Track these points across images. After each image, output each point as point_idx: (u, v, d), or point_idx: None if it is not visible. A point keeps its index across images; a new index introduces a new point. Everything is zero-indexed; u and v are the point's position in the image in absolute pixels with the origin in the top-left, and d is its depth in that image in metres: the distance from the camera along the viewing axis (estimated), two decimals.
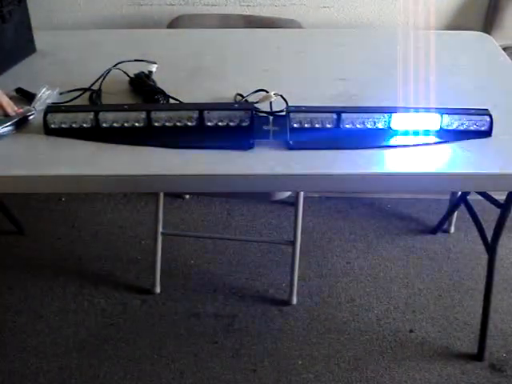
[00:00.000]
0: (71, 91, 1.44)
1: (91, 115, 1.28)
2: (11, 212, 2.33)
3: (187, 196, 2.54)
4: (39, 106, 1.35)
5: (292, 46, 1.78)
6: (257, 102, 1.37)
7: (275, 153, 1.25)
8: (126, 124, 1.29)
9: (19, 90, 1.43)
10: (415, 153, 1.26)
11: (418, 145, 1.28)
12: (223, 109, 1.31)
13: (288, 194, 1.94)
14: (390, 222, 2.44)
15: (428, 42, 1.81)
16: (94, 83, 1.47)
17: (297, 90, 1.46)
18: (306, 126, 1.30)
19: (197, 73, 1.59)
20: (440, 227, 2.37)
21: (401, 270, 2.22)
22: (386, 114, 1.29)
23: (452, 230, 2.39)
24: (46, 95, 1.39)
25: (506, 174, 1.23)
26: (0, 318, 2.03)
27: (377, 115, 1.29)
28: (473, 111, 1.31)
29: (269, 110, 1.36)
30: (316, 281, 2.17)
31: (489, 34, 1.96)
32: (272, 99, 1.37)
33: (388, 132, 1.30)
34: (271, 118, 1.33)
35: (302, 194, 1.98)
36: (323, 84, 1.54)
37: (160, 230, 2.07)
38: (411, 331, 1.99)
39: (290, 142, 1.26)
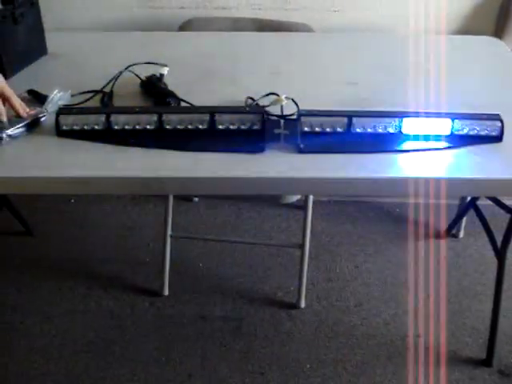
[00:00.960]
0: (83, 93, 1.45)
1: (103, 117, 1.29)
2: (20, 213, 2.33)
3: (196, 198, 2.54)
4: (51, 107, 1.36)
5: (303, 49, 1.79)
6: (268, 106, 1.37)
7: (286, 156, 1.25)
8: (137, 126, 1.29)
9: (31, 92, 1.44)
10: (426, 157, 1.26)
11: (429, 149, 1.28)
12: (234, 112, 1.31)
13: (297, 197, 1.94)
14: (398, 226, 2.44)
15: (439, 46, 1.81)
16: (105, 85, 1.47)
17: (308, 93, 1.46)
18: (316, 129, 1.30)
19: (208, 76, 1.59)
20: (449, 232, 2.37)
21: (409, 274, 2.21)
22: (396, 119, 1.29)
23: (461, 234, 2.38)
24: (57, 97, 1.39)
25: None
26: (8, 318, 2.03)
27: (388, 119, 1.29)
28: (484, 116, 1.31)
29: (280, 113, 1.35)
30: (324, 284, 2.17)
31: (500, 38, 1.96)
32: (283, 103, 1.37)
33: (399, 136, 1.30)
34: (282, 121, 1.33)
35: (311, 197, 1.98)
36: (334, 88, 1.54)
37: (169, 232, 2.08)
38: (419, 336, 1.98)
39: (301, 146, 1.26)
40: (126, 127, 1.29)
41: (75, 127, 1.29)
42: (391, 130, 1.30)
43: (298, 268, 2.06)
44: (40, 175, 1.20)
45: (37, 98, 1.42)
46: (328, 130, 1.30)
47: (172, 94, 1.43)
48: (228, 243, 2.34)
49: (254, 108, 1.38)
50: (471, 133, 1.30)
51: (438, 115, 1.31)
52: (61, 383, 1.84)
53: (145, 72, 1.51)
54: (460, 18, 2.17)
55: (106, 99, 1.44)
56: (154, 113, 1.30)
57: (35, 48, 1.65)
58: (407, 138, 1.30)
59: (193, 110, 1.37)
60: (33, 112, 1.33)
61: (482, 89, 1.56)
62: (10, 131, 1.27)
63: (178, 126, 1.30)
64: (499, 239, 1.84)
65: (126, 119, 1.29)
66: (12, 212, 2.31)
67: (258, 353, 1.93)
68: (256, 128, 1.29)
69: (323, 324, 2.02)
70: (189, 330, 2.00)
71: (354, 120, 1.29)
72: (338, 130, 1.30)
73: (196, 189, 1.29)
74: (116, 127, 1.29)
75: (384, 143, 1.29)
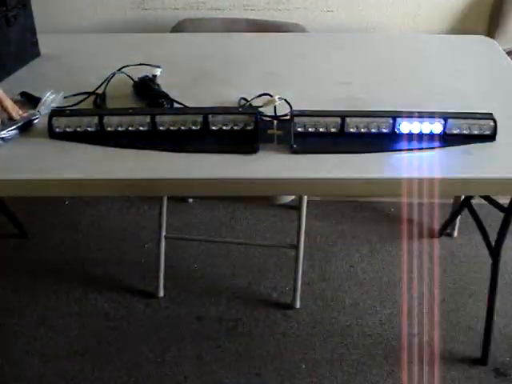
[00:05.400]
0: (76, 95, 1.45)
1: (96, 119, 1.29)
2: (15, 215, 2.33)
3: (190, 200, 2.54)
4: (44, 109, 1.36)
5: (296, 49, 1.78)
6: (261, 106, 1.37)
7: (279, 157, 1.25)
8: (130, 128, 1.29)
9: (24, 94, 1.44)
10: (419, 157, 1.26)
11: (422, 149, 1.28)
12: (227, 113, 1.31)
13: (291, 197, 1.94)
14: (393, 225, 2.44)
15: (432, 45, 1.82)
16: (98, 87, 1.47)
17: (301, 93, 1.46)
18: (310, 130, 1.30)
19: (201, 77, 1.59)
20: (443, 231, 2.37)
21: (404, 273, 2.22)
22: (389, 118, 1.29)
23: (455, 233, 2.38)
24: (50, 99, 1.39)
25: (510, 179, 1.24)
26: (4, 321, 2.03)
27: (381, 119, 1.30)
28: (477, 115, 1.31)
29: (273, 114, 1.36)
30: (319, 284, 2.17)
31: (492, 37, 1.96)
32: (276, 103, 1.37)
33: (392, 136, 1.30)
34: (275, 122, 1.33)
35: (305, 197, 1.98)
36: (327, 88, 1.54)
37: (163, 233, 2.07)
38: (414, 335, 1.98)
39: (294, 146, 1.26)
40: (119, 129, 1.29)
41: (68, 129, 1.29)
42: (384, 130, 1.30)
43: (293, 268, 2.06)
44: (33, 178, 1.20)
45: (29, 100, 1.42)
46: (321, 130, 1.30)
47: (165, 95, 1.43)
48: (223, 244, 2.34)
49: (247, 109, 1.38)
50: (464, 132, 1.31)
51: (431, 114, 1.31)
52: None
53: (138, 73, 1.51)
54: (453, 18, 2.17)
55: (98, 101, 1.44)
56: (147, 114, 1.30)
57: (28, 50, 1.65)
58: (401, 137, 1.30)
59: (186, 111, 1.37)
60: (25, 114, 1.33)
61: (474, 88, 1.56)
62: (2, 133, 1.27)
63: (172, 128, 1.30)
64: (493, 238, 1.84)
65: (119, 121, 1.29)
66: (6, 214, 2.30)
67: (254, 353, 1.93)
68: (249, 129, 1.30)
69: (319, 324, 2.02)
70: (184, 331, 2.00)
71: (348, 120, 1.29)
72: (332, 130, 1.30)
73: (190, 190, 1.28)
74: (109, 129, 1.29)
75: (377, 143, 1.29)
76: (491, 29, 2.15)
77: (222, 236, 2.39)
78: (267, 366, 1.89)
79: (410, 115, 1.30)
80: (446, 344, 1.95)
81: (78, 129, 1.29)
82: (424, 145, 1.29)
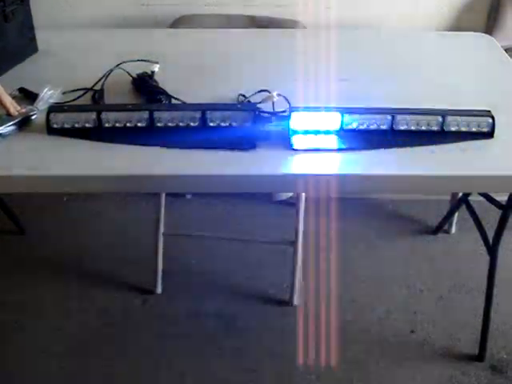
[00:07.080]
0: (74, 91, 1.44)
1: (94, 115, 1.28)
2: (12, 211, 2.33)
3: (188, 196, 2.53)
4: (42, 105, 1.36)
5: (295, 46, 1.78)
6: (259, 103, 1.37)
7: (278, 153, 1.25)
8: (128, 124, 1.29)
9: (22, 90, 1.43)
10: (417, 154, 1.26)
11: (421, 145, 1.28)
12: (226, 109, 1.31)
13: (289, 194, 1.94)
14: (390, 222, 2.44)
15: (430, 43, 1.82)
16: (96, 83, 1.47)
17: (299, 90, 1.46)
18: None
19: (199, 73, 1.59)
20: (441, 228, 2.37)
21: (402, 270, 2.22)
22: (388, 115, 1.29)
23: (453, 230, 2.39)
24: (48, 95, 1.39)
25: (508, 176, 1.24)
26: (1, 317, 2.03)
27: (379, 116, 1.30)
28: (475, 112, 1.31)
29: (271, 110, 1.35)
30: (317, 281, 2.17)
31: (490, 35, 1.96)
32: (274, 100, 1.37)
33: (390, 133, 1.30)
34: (274, 118, 1.33)
35: (303, 194, 1.98)
36: (326, 84, 1.54)
37: (161, 230, 2.07)
38: (412, 332, 1.99)
39: (293, 143, 1.26)
40: (117, 125, 1.29)
41: (66, 125, 1.29)
42: (383, 127, 1.30)
43: (291, 265, 2.06)
44: (31, 174, 1.19)
45: (27, 96, 1.42)
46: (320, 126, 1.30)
47: (163, 92, 1.43)
48: (220, 240, 2.33)
49: (245, 105, 1.38)
50: (462, 129, 1.30)
51: (430, 111, 1.31)
52: (54, 381, 1.84)
53: (136, 69, 1.51)
54: (451, 15, 2.17)
55: (96, 97, 1.43)
56: (145, 110, 1.29)
57: (26, 46, 1.64)
58: (399, 134, 1.30)
59: (184, 107, 1.37)
60: (23, 110, 1.33)
61: (473, 85, 1.56)
62: (0, 129, 1.27)
63: (170, 124, 1.30)
64: (491, 235, 1.85)
65: (117, 117, 1.29)
66: (4, 210, 2.30)
67: (251, 350, 1.93)
68: (247, 125, 1.29)
69: (316, 321, 2.02)
70: (182, 327, 2.00)
71: (346, 117, 1.29)
72: (330, 126, 1.30)
73: (187, 187, 1.29)
74: (107, 125, 1.29)
75: (376, 140, 1.29)
76: (489, 26, 2.15)
77: (220, 232, 2.39)
78: (264, 363, 1.89)
79: (408, 112, 1.30)
80: (444, 341, 1.96)
81: (76, 125, 1.29)
82: (422, 142, 1.29)
